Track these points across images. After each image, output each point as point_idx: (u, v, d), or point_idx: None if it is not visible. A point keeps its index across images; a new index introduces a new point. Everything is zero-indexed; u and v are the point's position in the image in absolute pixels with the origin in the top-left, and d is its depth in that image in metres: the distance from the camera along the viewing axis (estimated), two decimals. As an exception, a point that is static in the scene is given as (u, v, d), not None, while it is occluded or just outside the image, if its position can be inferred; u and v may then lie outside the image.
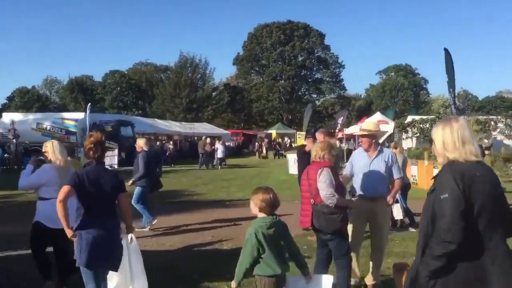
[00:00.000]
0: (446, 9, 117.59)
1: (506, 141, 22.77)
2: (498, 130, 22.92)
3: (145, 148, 8.82)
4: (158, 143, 28.46)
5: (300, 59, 65.70)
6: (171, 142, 32.31)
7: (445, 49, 14.92)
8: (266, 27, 65.22)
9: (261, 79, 67.62)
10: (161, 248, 7.39)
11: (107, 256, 4.05)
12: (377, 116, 34.01)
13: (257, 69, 68.27)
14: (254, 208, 3.58)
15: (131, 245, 4.42)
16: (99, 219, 4.01)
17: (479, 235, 2.54)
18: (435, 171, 13.22)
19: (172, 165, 25.94)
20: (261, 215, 3.54)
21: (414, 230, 8.04)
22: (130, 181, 8.35)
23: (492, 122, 23.15)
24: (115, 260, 4.15)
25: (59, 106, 65.46)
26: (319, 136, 7.72)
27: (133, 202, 8.27)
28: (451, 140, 2.68)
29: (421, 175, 15.61)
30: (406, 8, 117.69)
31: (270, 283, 3.42)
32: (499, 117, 24.40)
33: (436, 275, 2.56)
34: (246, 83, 67.10)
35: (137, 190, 8.57)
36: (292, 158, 19.11)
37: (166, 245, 7.60)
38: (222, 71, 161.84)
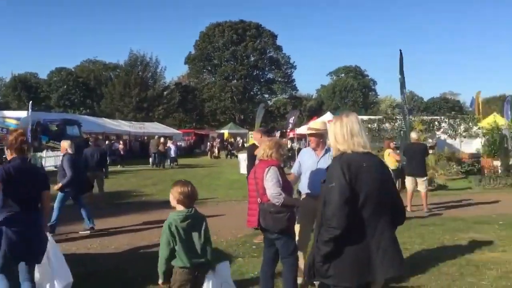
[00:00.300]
0: (394, 12, 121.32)
1: (449, 141, 23.64)
2: (442, 130, 23.70)
3: (70, 151, 8.48)
4: (106, 142, 27.72)
5: (252, 59, 65.85)
6: (120, 142, 31.57)
7: (400, 51, 15.31)
8: (218, 26, 64.94)
9: (213, 78, 67.28)
10: (105, 251, 7.13)
11: (29, 250, 4.14)
12: (328, 116, 34.56)
13: (209, 68, 67.88)
14: (173, 200, 3.64)
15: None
16: (22, 214, 4.09)
17: (365, 221, 2.75)
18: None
19: (120, 165, 25.29)
20: (179, 207, 3.60)
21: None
22: (58, 185, 8.03)
23: (436, 122, 23.95)
24: (37, 253, 4.24)
25: (1, 105, 62.50)
26: (256, 134, 7.76)
27: (55, 205, 7.98)
28: (340, 133, 2.88)
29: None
30: (355, 11, 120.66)
31: (181, 273, 3.48)
32: (443, 117, 25.24)
33: (327, 259, 2.74)
34: (198, 82, 66.60)
35: (60, 193, 8.20)
36: (243, 158, 19.07)
37: (111, 247, 7.35)
38: (174, 70, 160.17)
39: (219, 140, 41.60)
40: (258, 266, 5.05)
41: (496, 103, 58.95)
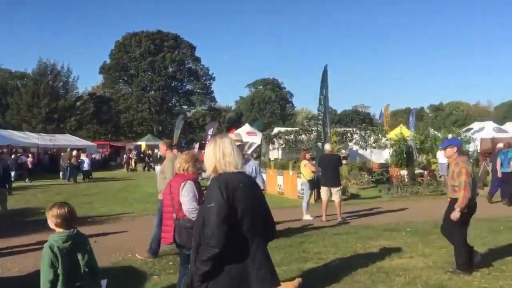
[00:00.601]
0: (310, 26, 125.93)
1: (361, 151, 24.82)
2: (354, 141, 24.85)
3: None
4: (12, 156, 25.86)
5: (171, 70, 65.03)
6: (29, 155, 29.63)
7: (326, 66, 15.80)
8: (135, 36, 63.47)
9: (129, 89, 65.54)
10: (7, 274, 6.59)
11: None
12: (246, 127, 35.00)
13: (126, 78, 66.01)
14: (51, 224, 3.51)
15: None
16: None
17: (242, 239, 2.87)
18: (299, 181, 13.86)
19: (27, 179, 23.70)
20: (58, 230, 3.49)
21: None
22: None
23: (349, 134, 25.05)
24: None
25: None
26: (162, 147, 7.68)
27: None
28: (214, 155, 3.03)
29: (286, 185, 16.24)
30: (271, 23, 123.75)
31: None
32: (355, 129, 26.43)
33: (206, 278, 2.83)
34: (114, 93, 64.45)
35: None
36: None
37: (14, 270, 6.79)
38: (88, 80, 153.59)
39: (136, 152, 40.40)
40: (175, 284, 4.91)
41: (402, 116, 63.09)
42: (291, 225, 10.05)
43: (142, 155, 40.74)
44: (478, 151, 21.49)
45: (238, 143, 5.39)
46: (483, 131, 28.15)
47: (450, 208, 5.99)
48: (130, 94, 63.68)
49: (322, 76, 15.79)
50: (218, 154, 3.02)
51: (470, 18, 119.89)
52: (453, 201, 5.98)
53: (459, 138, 22.47)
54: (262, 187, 5.46)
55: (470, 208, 5.95)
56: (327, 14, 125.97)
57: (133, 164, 36.13)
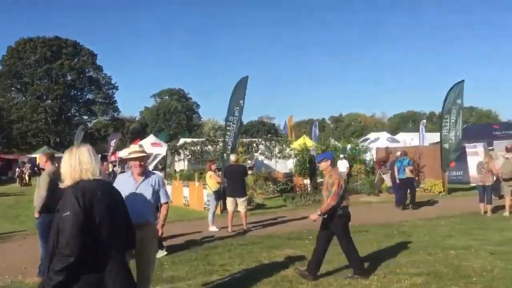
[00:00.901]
0: (217, 36, 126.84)
1: (266, 161, 25.30)
2: (260, 151, 25.27)
3: None
4: None
5: (70, 78, 61.73)
6: None
7: (247, 76, 15.78)
8: (30, 42, 59.36)
9: (23, 98, 61.23)
10: None
11: None
12: (151, 138, 34.19)
13: (19, 86, 61.55)
14: None
15: None
16: None
17: (99, 249, 2.85)
18: (205, 193, 13.75)
19: None
20: None
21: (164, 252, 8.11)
22: None
23: (255, 144, 25.42)
24: None
25: None
26: (41, 157, 7.25)
27: None
28: (69, 163, 3.03)
29: (192, 196, 16.04)
30: (177, 33, 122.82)
31: None
32: (260, 139, 26.87)
33: None
34: (5, 101, 59.66)
35: None
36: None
37: None
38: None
39: (30, 165, 37.64)
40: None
41: (306, 127, 65.49)
42: (197, 238, 9.92)
43: (36, 168, 38.07)
44: (374, 159, 22.84)
45: (140, 154, 5.18)
46: (378, 141, 30.10)
47: (328, 219, 6.29)
48: (24, 103, 59.46)
49: (237, 86, 15.76)
50: (73, 162, 3.02)
51: (362, 34, 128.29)
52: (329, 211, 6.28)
53: (357, 147, 23.86)
54: (166, 200, 5.28)
55: (347, 216, 6.33)
56: (232, 26, 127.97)
57: (26, 178, 33.73)
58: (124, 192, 4.95)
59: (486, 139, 21.70)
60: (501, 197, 13.28)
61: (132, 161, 5.20)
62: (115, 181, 5.33)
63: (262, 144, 25.40)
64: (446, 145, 17.70)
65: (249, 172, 18.83)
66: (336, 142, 26.71)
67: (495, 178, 12.36)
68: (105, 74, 66.24)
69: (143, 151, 5.28)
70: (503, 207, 12.15)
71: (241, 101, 15.62)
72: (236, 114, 15.63)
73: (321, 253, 6.34)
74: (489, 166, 12.17)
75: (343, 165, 19.97)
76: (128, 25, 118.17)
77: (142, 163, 5.17)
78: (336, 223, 6.24)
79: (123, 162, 26.56)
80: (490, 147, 19.70)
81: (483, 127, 29.63)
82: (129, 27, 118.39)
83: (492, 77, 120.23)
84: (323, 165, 6.56)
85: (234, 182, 11.04)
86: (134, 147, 5.50)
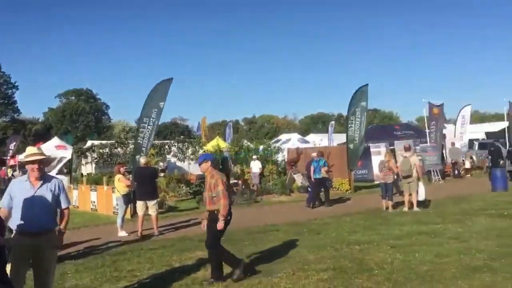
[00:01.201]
0: (127, 36, 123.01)
1: (179, 163, 25.00)
2: (172, 153, 24.92)
3: None
4: None
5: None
6: None
7: (172, 78, 15.27)
8: None
9: None
10: None
11: None
12: (55, 141, 32.33)
13: None
14: None
15: None
16: None
17: None
18: (114, 196, 13.24)
19: None
20: None
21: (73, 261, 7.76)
22: None
23: (167, 146, 25.02)
24: None
25: None
26: None
27: None
28: None
29: (100, 200, 15.37)
30: (85, 33, 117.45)
31: None
32: (173, 141, 26.52)
33: None
34: None
35: None
36: None
37: None
38: None
39: None
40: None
41: (219, 128, 65.58)
42: (105, 243, 9.52)
43: None
44: (286, 160, 23.40)
45: (37, 157, 4.82)
46: (289, 142, 30.96)
47: (213, 220, 6.24)
48: None
49: (157, 88, 15.15)
50: None
51: (273, 35, 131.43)
52: (212, 212, 6.28)
53: (269, 148, 24.33)
54: (67, 206, 4.98)
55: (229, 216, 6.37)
56: (143, 26, 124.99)
57: None
58: (19, 198, 4.66)
59: (388, 139, 23.13)
60: (401, 193, 14.18)
61: (29, 165, 4.83)
62: (9, 186, 4.95)
63: (175, 146, 25.08)
64: (351, 145, 18.58)
65: (161, 174, 18.44)
66: (249, 143, 27.05)
67: (395, 177, 13.21)
68: (3, 72, 61.97)
69: (42, 154, 4.92)
70: (403, 202, 12.97)
71: (161, 103, 15.19)
72: (153, 116, 15.17)
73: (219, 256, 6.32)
74: (390, 165, 12.95)
75: (256, 166, 20.25)
76: (29, 18, 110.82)
77: (40, 166, 4.82)
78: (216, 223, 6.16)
79: (23, 166, 24.84)
80: (391, 147, 20.98)
81: (385, 128, 31.42)
82: (30, 21, 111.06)
83: (394, 82, 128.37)
84: (204, 166, 6.49)
85: (144, 185, 10.75)
86: (31, 149, 5.04)
